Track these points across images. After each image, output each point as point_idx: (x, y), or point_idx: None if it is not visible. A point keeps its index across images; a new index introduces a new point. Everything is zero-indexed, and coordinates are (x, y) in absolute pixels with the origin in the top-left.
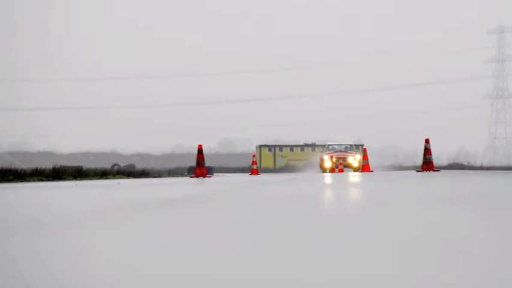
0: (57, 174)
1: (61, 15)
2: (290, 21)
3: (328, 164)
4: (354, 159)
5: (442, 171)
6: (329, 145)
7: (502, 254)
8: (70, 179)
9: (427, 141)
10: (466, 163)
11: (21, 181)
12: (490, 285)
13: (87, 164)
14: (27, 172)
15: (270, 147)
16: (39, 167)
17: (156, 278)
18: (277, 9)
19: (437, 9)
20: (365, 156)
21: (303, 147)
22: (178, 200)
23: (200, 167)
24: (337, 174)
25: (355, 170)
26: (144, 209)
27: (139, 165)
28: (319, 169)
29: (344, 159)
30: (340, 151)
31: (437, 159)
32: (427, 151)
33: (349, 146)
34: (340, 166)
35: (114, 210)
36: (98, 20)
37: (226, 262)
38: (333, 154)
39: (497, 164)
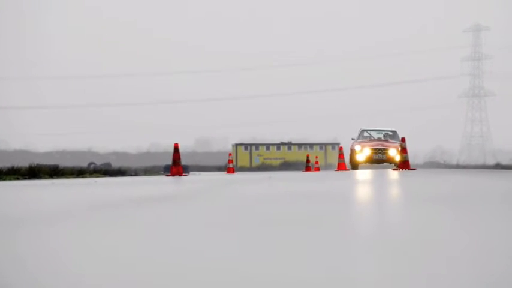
0: (34, 172)
1: (36, 12)
2: (267, 20)
3: (361, 156)
4: (397, 152)
5: (418, 170)
6: (364, 130)
7: (479, 250)
8: (46, 178)
9: (403, 139)
10: (442, 161)
11: None
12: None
13: (64, 163)
14: (3, 171)
15: (246, 145)
16: (15, 166)
17: (126, 277)
18: (254, 9)
19: (413, 7)
20: (341, 155)
21: (279, 145)
22: (154, 199)
23: (176, 166)
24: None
25: (396, 164)
26: (119, 207)
27: (116, 164)
28: (348, 164)
29: (383, 151)
30: (379, 140)
31: (413, 157)
32: (403, 150)
33: (390, 133)
34: (378, 158)
35: (89, 209)
36: (74, 17)
37: (200, 261)
38: (369, 143)
39: (473, 163)
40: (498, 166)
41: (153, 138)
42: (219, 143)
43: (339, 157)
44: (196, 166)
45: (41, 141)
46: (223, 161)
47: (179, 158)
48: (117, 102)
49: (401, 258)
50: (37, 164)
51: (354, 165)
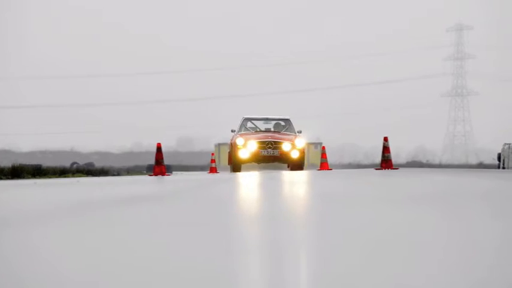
0: (16, 172)
1: (18, 12)
2: (248, 20)
3: (244, 153)
4: (293, 146)
5: (401, 169)
6: (247, 119)
7: (462, 250)
8: (29, 178)
9: (385, 139)
10: (424, 161)
11: None
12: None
13: (47, 162)
14: None
15: (228, 145)
16: None
17: (105, 277)
18: (234, 9)
19: (395, 6)
20: (324, 155)
21: None
22: (136, 199)
23: (159, 165)
24: (263, 174)
25: (294, 164)
26: (101, 207)
27: (99, 164)
28: (227, 163)
29: (275, 145)
30: (268, 131)
31: (396, 157)
32: (385, 149)
33: (282, 123)
34: (267, 154)
35: (71, 209)
36: (57, 16)
37: (181, 260)
38: (256, 136)
39: (456, 162)
40: (481, 165)
41: (136, 138)
42: (201, 143)
43: (322, 156)
44: (179, 166)
45: (24, 141)
46: (205, 161)
47: (162, 158)
48: (99, 102)
49: (380, 257)
50: (20, 164)
51: (236, 166)
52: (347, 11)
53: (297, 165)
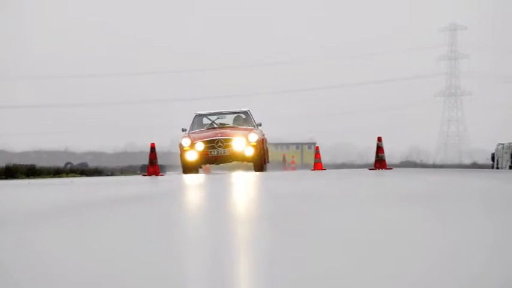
0: (10, 172)
1: (10, 12)
2: (237, 20)
3: (192, 155)
4: (246, 142)
5: (395, 169)
6: (199, 115)
7: (457, 249)
8: (23, 178)
9: (379, 139)
10: (418, 161)
11: None
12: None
13: (40, 163)
14: None
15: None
16: None
17: (99, 277)
18: (223, 9)
19: (390, 6)
20: (317, 155)
21: None
22: (130, 199)
23: (153, 166)
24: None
25: (251, 162)
26: (94, 207)
27: (92, 164)
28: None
29: (224, 143)
30: (220, 127)
31: (389, 157)
32: (379, 149)
33: (243, 117)
34: (215, 154)
35: (63, 209)
36: (49, 16)
37: (173, 259)
38: (203, 135)
39: (450, 162)
40: (475, 165)
41: (130, 138)
42: None
43: (315, 157)
44: (173, 166)
45: (18, 141)
46: None
47: (156, 158)
48: (93, 102)
49: (371, 255)
50: (14, 164)
51: (185, 169)
52: (341, 11)
53: (256, 165)
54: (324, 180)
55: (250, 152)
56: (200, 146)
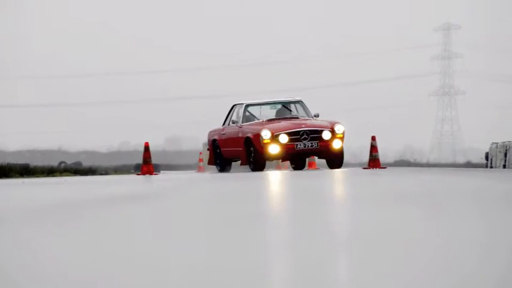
0: (4, 171)
1: (6, 11)
2: (236, 20)
3: (274, 148)
4: (335, 135)
5: (389, 169)
6: (250, 105)
7: (452, 249)
8: (17, 177)
9: (373, 138)
10: (412, 160)
11: None
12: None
13: (34, 162)
14: None
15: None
16: None
17: (93, 275)
18: (220, 8)
19: (383, 5)
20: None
21: None
22: (124, 198)
23: (147, 165)
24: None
25: (335, 158)
26: (89, 206)
27: (86, 163)
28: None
29: (312, 134)
30: (290, 118)
31: (383, 156)
32: (373, 148)
33: (298, 105)
34: (304, 147)
35: (58, 207)
36: (46, 16)
37: (165, 257)
38: (284, 125)
39: (443, 161)
40: (469, 164)
41: (124, 137)
42: (189, 142)
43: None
44: (167, 165)
45: (11, 139)
46: (193, 160)
47: (150, 157)
48: (87, 101)
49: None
50: (7, 163)
51: (261, 164)
52: (334, 10)
53: (338, 160)
54: (318, 179)
55: (338, 144)
56: (284, 138)
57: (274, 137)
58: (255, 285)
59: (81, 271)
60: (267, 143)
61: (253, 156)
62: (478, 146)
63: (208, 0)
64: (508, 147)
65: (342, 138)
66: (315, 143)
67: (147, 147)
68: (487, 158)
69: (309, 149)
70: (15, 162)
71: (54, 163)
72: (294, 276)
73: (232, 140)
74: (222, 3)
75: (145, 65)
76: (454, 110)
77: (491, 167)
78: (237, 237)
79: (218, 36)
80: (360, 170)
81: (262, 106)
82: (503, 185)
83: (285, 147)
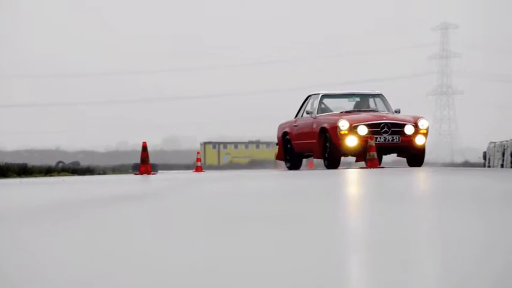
0: (2, 171)
1: (3, 11)
2: (232, 16)
3: (352, 141)
4: (418, 130)
5: (386, 168)
6: (325, 96)
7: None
8: (15, 177)
9: (371, 138)
10: None
11: None
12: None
13: (32, 161)
14: None
15: (214, 144)
16: None
17: (90, 275)
18: (222, 7)
19: (382, 4)
20: None
21: (247, 144)
22: (121, 198)
23: (145, 164)
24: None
25: (416, 155)
26: (86, 206)
27: (84, 163)
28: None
29: (393, 128)
30: (365, 110)
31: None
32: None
33: (377, 98)
34: (384, 141)
35: (56, 207)
36: (44, 16)
37: (163, 259)
38: (363, 117)
39: (441, 161)
40: (466, 164)
41: (122, 137)
42: (187, 142)
43: None
44: (165, 165)
45: (9, 139)
46: (191, 160)
47: (147, 157)
48: (85, 101)
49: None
50: (5, 163)
51: (337, 159)
52: (331, 8)
53: (420, 157)
54: (315, 179)
55: (421, 140)
56: (363, 130)
57: (353, 128)
58: (255, 286)
59: (79, 271)
60: (345, 134)
61: (328, 151)
62: (475, 145)
63: (208, 0)
64: (505, 146)
65: (425, 134)
66: (396, 138)
67: (145, 147)
68: (484, 157)
69: (390, 144)
70: (13, 162)
71: (52, 163)
72: (294, 276)
73: (305, 132)
74: (222, 3)
75: (144, 65)
76: (451, 110)
77: (489, 167)
78: (237, 237)
79: (218, 36)
80: (358, 169)
81: (339, 98)
82: (501, 185)
83: (363, 139)
